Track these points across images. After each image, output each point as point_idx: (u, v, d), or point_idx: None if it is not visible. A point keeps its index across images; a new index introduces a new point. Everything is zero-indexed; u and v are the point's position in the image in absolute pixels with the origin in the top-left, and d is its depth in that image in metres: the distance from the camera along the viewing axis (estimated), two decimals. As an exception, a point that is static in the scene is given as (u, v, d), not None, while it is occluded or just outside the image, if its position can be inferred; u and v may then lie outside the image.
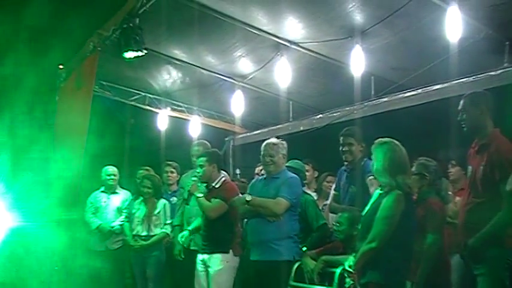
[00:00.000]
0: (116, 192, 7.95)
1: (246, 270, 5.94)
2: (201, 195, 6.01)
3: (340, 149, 5.81)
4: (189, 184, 6.34)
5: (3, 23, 5.89)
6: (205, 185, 6.12)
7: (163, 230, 7.17)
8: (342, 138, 5.81)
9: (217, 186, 6.06)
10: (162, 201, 7.26)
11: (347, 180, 5.82)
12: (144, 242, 7.12)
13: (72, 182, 7.60)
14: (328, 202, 6.78)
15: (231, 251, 5.89)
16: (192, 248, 6.62)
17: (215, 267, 5.87)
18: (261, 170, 7.27)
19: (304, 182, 6.42)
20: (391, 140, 4.48)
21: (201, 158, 6.11)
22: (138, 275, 7.26)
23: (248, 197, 5.67)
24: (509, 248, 4.32)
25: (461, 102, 4.57)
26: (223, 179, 6.15)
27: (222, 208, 5.90)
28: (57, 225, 6.77)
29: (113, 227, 7.67)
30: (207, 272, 5.94)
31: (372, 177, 5.04)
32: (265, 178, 5.87)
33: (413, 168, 5.10)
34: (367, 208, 4.52)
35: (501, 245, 4.26)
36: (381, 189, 4.44)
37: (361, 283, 4.36)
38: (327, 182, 7.04)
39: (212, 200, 5.97)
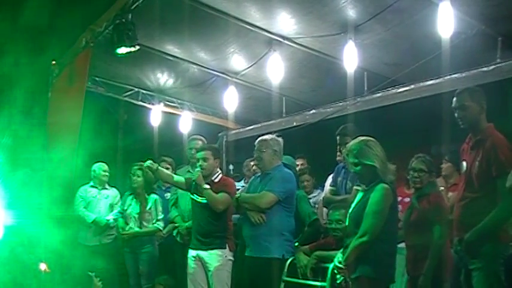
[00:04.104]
0: (106, 188, 7.92)
1: (241, 265, 5.95)
2: (208, 186, 5.89)
3: (338, 148, 5.82)
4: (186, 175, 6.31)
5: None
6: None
7: (155, 225, 7.16)
8: (338, 137, 5.81)
9: (216, 180, 6.00)
10: (153, 196, 7.22)
11: (344, 176, 5.82)
12: (137, 230, 7.10)
13: (66, 179, 7.57)
14: (317, 196, 6.83)
15: (227, 246, 5.86)
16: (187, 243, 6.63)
17: (215, 263, 5.80)
18: (252, 166, 7.30)
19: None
20: (369, 137, 4.53)
21: (206, 152, 6.03)
22: (131, 271, 7.24)
23: (237, 194, 5.74)
24: (504, 243, 4.36)
25: (458, 98, 4.52)
26: (221, 174, 6.13)
27: (228, 201, 5.85)
28: (52, 222, 6.75)
29: (108, 221, 7.63)
30: (203, 268, 5.91)
31: (357, 187, 5.07)
32: (260, 174, 5.88)
33: (417, 164, 5.17)
34: (353, 205, 4.56)
35: (496, 240, 4.28)
36: (364, 188, 4.50)
37: (352, 278, 4.39)
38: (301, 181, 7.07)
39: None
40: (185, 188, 6.22)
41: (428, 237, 4.90)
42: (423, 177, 5.15)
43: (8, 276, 5.68)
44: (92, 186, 7.86)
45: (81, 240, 7.67)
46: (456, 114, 4.52)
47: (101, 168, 7.88)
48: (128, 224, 7.18)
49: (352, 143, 4.59)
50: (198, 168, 6.03)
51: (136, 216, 7.14)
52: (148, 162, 6.11)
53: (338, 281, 4.67)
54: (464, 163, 4.55)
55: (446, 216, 5.02)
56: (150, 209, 7.16)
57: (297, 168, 7.00)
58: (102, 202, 7.79)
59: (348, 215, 4.65)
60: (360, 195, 4.53)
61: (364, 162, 4.42)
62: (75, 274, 6.84)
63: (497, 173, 4.21)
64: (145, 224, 7.15)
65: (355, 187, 5.25)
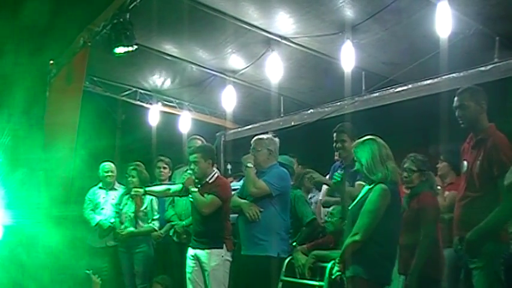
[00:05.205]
0: (115, 189, 7.81)
1: (237, 264, 5.96)
2: (196, 189, 5.91)
3: (334, 145, 5.82)
4: (184, 178, 6.32)
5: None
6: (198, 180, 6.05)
7: (150, 225, 7.16)
8: (335, 134, 5.80)
9: (210, 181, 5.99)
10: (149, 196, 7.21)
11: None
12: (132, 230, 7.10)
13: (65, 179, 7.56)
14: (315, 196, 6.82)
15: (224, 245, 5.85)
16: (184, 242, 6.64)
17: (212, 263, 5.79)
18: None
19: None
20: (372, 136, 4.55)
21: (195, 155, 5.99)
22: (126, 271, 7.22)
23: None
24: (505, 242, 4.37)
25: (459, 97, 4.52)
26: (216, 174, 6.12)
27: (216, 204, 5.83)
28: (51, 222, 6.74)
29: (112, 223, 7.60)
30: (200, 268, 5.92)
31: (360, 182, 5.09)
32: (256, 173, 5.89)
33: (407, 164, 5.17)
34: (354, 202, 4.58)
35: (497, 240, 4.29)
36: (369, 184, 4.50)
37: (347, 276, 4.43)
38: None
39: (205, 195, 5.89)
40: (184, 194, 6.24)
41: (418, 236, 4.89)
42: (413, 177, 5.16)
43: (7, 276, 5.68)
44: (100, 188, 7.83)
45: (89, 241, 7.66)
46: (456, 114, 4.53)
47: (102, 169, 7.80)
48: (123, 224, 7.18)
49: (359, 140, 4.62)
50: (190, 172, 6.07)
51: (132, 215, 7.14)
52: (133, 191, 6.40)
53: (333, 276, 4.75)
54: (465, 162, 4.54)
55: (435, 215, 5.03)
56: (145, 208, 7.15)
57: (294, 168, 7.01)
58: (109, 204, 7.74)
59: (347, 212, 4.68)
60: (363, 193, 4.53)
61: (358, 158, 4.49)
62: (76, 274, 6.84)
63: (499, 172, 4.21)
64: (140, 223, 7.15)
65: (357, 182, 5.23)
